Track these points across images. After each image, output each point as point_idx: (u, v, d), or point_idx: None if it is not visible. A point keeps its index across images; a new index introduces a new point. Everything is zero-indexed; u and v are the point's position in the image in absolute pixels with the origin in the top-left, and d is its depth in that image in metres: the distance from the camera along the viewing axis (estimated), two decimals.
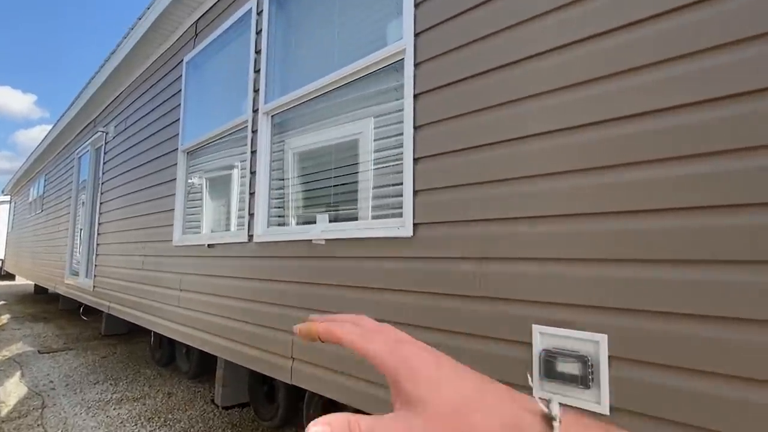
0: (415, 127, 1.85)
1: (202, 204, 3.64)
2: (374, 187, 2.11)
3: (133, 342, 6.11)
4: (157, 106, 4.40)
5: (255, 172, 2.81)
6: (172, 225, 3.78)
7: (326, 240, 2.22)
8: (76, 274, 6.68)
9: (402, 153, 1.90)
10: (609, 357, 1.26)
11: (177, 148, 3.87)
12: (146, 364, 4.96)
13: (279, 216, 2.73)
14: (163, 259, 3.92)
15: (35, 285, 10.91)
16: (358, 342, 0.30)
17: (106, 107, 6.02)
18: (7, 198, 16.33)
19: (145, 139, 4.60)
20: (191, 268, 3.45)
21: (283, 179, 2.72)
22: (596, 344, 1.28)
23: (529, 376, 1.40)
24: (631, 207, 1.26)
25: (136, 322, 4.41)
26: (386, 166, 2.07)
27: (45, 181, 9.56)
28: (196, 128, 3.69)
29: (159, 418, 3.49)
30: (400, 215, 1.90)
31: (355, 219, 2.19)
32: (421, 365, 0.28)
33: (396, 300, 1.84)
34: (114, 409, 3.64)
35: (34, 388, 4.10)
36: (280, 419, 3.13)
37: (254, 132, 2.88)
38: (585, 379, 1.28)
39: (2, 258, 16.37)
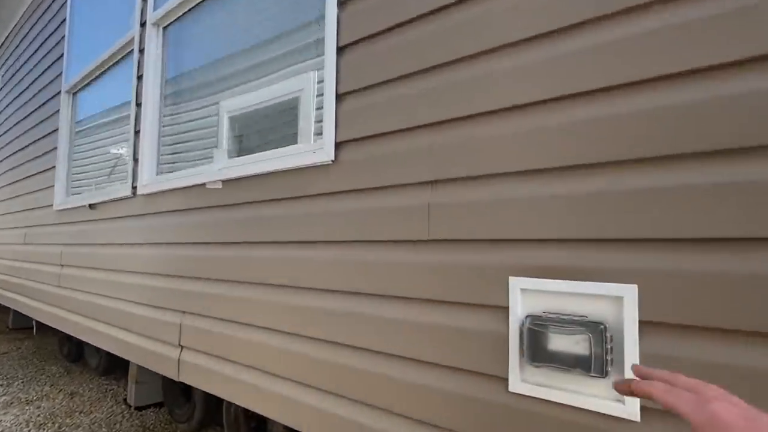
0: (339, 3, 1.25)
1: (90, 157, 2.87)
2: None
3: (47, 336, 5.27)
4: (42, 44, 3.52)
5: (141, 103, 2.12)
6: (53, 186, 2.99)
7: (223, 182, 1.59)
8: None
9: (324, 39, 1.31)
10: (640, 322, 0.73)
11: (60, 91, 3.06)
12: (54, 360, 4.16)
13: (172, 163, 2.06)
14: (44, 229, 3.12)
15: None
16: (665, 398, 0.39)
17: None
18: None
19: (30, 85, 3.71)
20: (72, 236, 2.70)
21: (178, 113, 2.04)
22: (618, 301, 0.76)
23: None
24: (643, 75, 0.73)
25: (20, 310, 3.58)
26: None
27: None
28: (84, 62, 2.91)
29: (53, 423, 2.77)
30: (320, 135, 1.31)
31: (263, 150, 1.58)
32: (731, 421, 0.33)
33: (312, 256, 1.26)
34: None
35: None
36: (197, 422, 2.52)
37: (141, 52, 2.18)
38: (598, 362, 0.75)
39: None
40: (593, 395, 0.77)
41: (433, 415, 0.96)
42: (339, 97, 1.23)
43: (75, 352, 3.99)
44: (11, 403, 3.25)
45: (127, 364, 3.47)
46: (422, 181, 1.04)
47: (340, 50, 1.24)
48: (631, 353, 0.74)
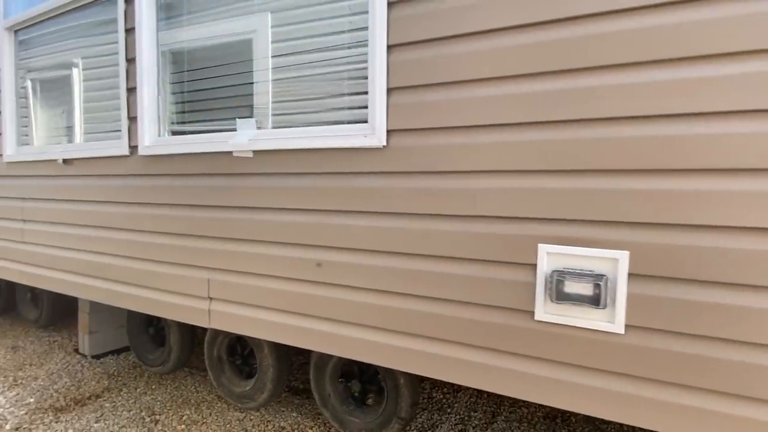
0: (389, 3, 1.44)
1: (51, 105, 2.66)
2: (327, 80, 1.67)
3: None
4: None
5: (134, 59, 2.06)
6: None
7: (255, 152, 1.74)
8: None
9: (367, 38, 1.49)
10: (629, 275, 1.17)
11: None
12: None
13: (177, 123, 2.09)
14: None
15: None
16: None
17: None
18: None
19: None
20: (39, 191, 2.57)
21: (183, 71, 2.05)
22: (614, 262, 1.18)
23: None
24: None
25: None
26: (341, 58, 1.63)
27: None
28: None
29: (5, 378, 2.75)
30: (363, 121, 1.53)
31: (295, 126, 1.74)
32: None
33: (374, 225, 1.53)
34: None
35: None
36: (173, 365, 2.71)
37: (128, 2, 2.08)
38: (599, 299, 1.18)
39: None
40: (594, 320, 1.21)
41: (480, 339, 1.36)
42: (390, 92, 1.46)
43: (2, 304, 3.84)
44: None
45: (69, 315, 3.47)
46: (467, 170, 1.35)
47: (390, 50, 1.45)
48: (622, 293, 1.18)
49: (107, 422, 2.21)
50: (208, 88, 1.97)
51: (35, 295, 3.48)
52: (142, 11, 2.01)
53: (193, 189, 1.93)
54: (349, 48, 1.61)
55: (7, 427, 2.20)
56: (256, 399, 2.21)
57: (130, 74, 2.10)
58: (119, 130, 2.20)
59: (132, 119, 2.10)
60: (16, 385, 2.66)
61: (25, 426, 2.20)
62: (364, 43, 1.54)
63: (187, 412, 2.32)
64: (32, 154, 2.59)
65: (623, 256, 1.17)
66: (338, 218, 1.59)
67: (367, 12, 1.51)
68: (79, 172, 2.35)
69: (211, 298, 1.92)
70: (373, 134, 1.47)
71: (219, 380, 2.37)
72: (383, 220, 1.50)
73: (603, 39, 1.16)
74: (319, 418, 2.17)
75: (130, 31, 2.08)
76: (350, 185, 1.55)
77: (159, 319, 2.69)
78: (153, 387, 2.64)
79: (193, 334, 2.61)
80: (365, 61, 1.53)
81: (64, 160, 2.39)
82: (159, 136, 2.07)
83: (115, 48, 2.31)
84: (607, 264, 1.19)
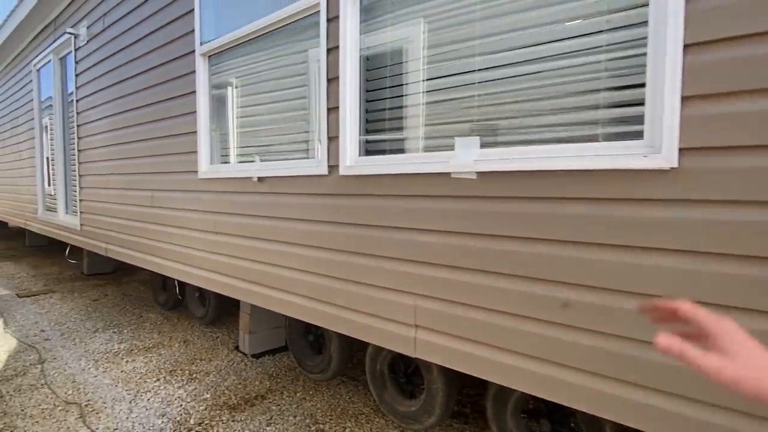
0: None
1: (243, 125, 2.84)
2: (569, 91, 1.44)
3: (123, 282, 5.50)
4: None
5: (337, 78, 2.05)
6: (194, 152, 2.99)
7: (479, 173, 1.58)
8: (51, 209, 5.77)
9: (644, 35, 1.23)
10: None
11: (193, 51, 2.96)
12: (147, 308, 4.40)
13: (377, 141, 2.03)
14: (182, 195, 3.16)
15: None
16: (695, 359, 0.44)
17: (71, 3, 4.76)
18: None
19: (136, 41, 3.58)
20: (231, 206, 2.74)
21: (386, 87, 1.98)
22: None
23: None
24: None
25: (149, 268, 3.72)
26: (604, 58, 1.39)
27: None
28: (223, 21, 2.78)
29: (181, 371, 3.00)
30: (638, 136, 1.27)
31: (527, 143, 1.54)
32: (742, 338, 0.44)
33: (653, 264, 1.27)
34: (126, 362, 3.11)
35: (25, 339, 3.49)
36: (332, 373, 2.71)
37: (331, 20, 2.07)
38: None
39: None
40: None
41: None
42: (684, 101, 1.18)
43: (173, 300, 4.21)
44: (132, 350, 3.46)
45: (230, 313, 3.72)
46: None
47: (687, 49, 1.18)
48: None
49: (277, 426, 2.28)
50: (405, 95, 1.88)
51: (202, 294, 3.81)
52: (347, 30, 1.99)
53: (400, 210, 1.83)
54: (607, 50, 1.37)
55: (191, 421, 2.35)
56: (422, 421, 2.13)
57: (331, 94, 2.09)
58: (309, 149, 2.22)
59: (332, 139, 2.10)
60: (192, 379, 2.88)
61: (206, 422, 2.33)
62: (635, 43, 1.29)
63: (349, 425, 2.31)
64: (227, 172, 2.77)
65: None
66: (591, 252, 1.35)
67: (641, 6, 1.26)
68: (272, 190, 2.44)
69: (417, 326, 1.81)
70: (657, 153, 1.21)
71: (381, 396, 2.33)
72: (664, 258, 1.22)
73: None
74: None
75: (332, 50, 2.07)
76: (614, 214, 1.31)
77: (318, 327, 2.72)
78: (311, 393, 2.69)
79: (351, 345, 2.61)
80: (637, 65, 1.27)
81: (259, 178, 2.49)
82: (360, 156, 2.03)
83: (304, 68, 2.35)
84: None
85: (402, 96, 1.93)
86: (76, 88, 4.68)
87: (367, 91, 2.06)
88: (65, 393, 2.64)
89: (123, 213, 3.96)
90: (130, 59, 3.69)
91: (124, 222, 3.95)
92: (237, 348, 3.37)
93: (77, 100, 4.68)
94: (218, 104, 2.92)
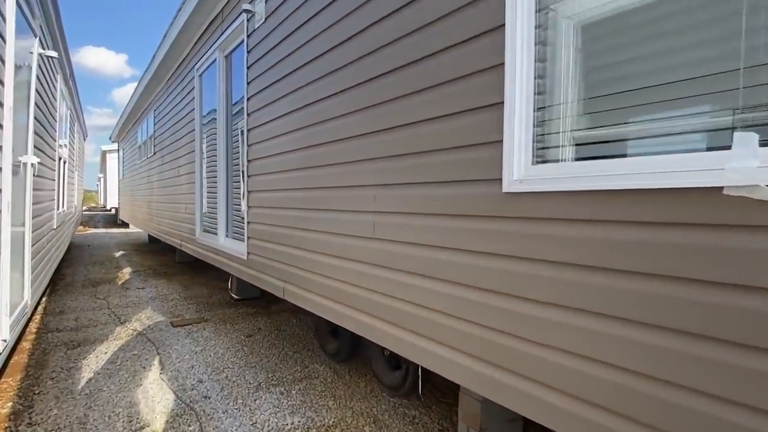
0: None
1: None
2: None
3: (272, 311, 4.92)
4: None
5: None
6: (493, 143, 1.55)
7: None
8: (210, 232, 4.99)
9: None
10: None
11: None
12: (309, 354, 3.65)
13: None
14: (450, 225, 1.75)
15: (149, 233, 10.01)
16: None
17: None
18: (115, 146, 16.03)
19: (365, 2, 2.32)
20: (597, 252, 1.22)
21: None
22: None
23: None
24: None
25: (356, 331, 2.42)
26: None
27: (154, 117, 8.02)
28: None
29: None
30: None
31: None
32: None
33: None
34: None
35: (182, 395, 2.87)
36: None
37: None
38: None
39: (117, 206, 16.52)
40: None
41: None
42: None
43: (346, 351, 3.30)
44: (309, 428, 2.49)
45: (431, 384, 2.73)
46: None
47: None
48: None
49: None
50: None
51: (393, 355, 2.80)
52: None
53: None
54: None
55: None
56: None
57: None
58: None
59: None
60: None
61: None
62: None
63: None
64: (605, 178, 1.27)
65: None
66: None
67: None
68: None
69: None
70: None
71: None
72: None
73: None
74: None
75: None
76: None
77: None
78: None
79: None
80: None
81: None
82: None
83: None
84: None
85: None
86: (247, 83, 3.77)
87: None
88: None
89: (313, 244, 2.75)
90: (332, 22, 2.47)
91: (317, 258, 2.73)
92: None
93: (248, 98, 3.76)
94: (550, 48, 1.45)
